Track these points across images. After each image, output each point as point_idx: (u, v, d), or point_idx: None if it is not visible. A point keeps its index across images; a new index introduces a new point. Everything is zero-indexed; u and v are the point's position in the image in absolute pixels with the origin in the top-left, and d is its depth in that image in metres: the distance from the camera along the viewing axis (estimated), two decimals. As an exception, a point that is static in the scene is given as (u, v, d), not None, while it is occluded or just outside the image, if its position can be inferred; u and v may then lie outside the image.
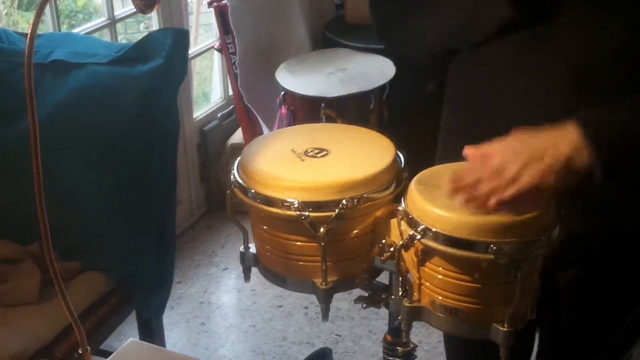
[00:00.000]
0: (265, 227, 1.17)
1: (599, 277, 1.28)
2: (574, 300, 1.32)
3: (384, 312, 1.28)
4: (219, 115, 3.21)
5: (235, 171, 1.18)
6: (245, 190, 1.15)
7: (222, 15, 2.85)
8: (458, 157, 1.12)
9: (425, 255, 1.07)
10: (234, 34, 2.81)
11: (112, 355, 1.25)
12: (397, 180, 1.16)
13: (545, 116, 1.08)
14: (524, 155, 1.03)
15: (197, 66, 3.63)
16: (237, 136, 3.15)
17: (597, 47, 1.10)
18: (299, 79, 2.35)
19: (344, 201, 1.09)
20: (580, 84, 1.12)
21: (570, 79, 1.12)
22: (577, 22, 1.11)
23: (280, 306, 2.64)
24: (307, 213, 1.09)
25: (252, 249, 1.25)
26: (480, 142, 1.11)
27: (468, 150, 1.08)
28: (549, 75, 1.14)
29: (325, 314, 1.18)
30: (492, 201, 1.02)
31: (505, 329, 1.06)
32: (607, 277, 1.27)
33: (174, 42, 1.88)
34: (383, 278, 1.24)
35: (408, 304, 1.12)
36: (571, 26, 1.11)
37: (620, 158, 1.04)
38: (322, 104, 2.15)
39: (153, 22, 2.89)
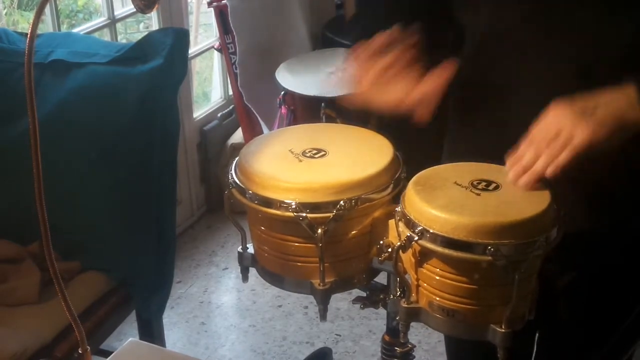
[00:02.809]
0: (263, 228, 1.17)
1: (599, 278, 1.28)
2: (573, 301, 1.32)
3: (383, 311, 1.28)
4: (219, 115, 3.21)
5: (233, 172, 1.19)
6: (243, 191, 1.15)
7: (222, 15, 2.85)
8: (465, 157, 1.14)
9: (423, 256, 1.07)
10: (234, 33, 2.82)
11: (112, 355, 1.25)
12: (395, 181, 1.16)
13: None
14: (574, 113, 1.04)
15: (197, 66, 3.63)
16: (237, 136, 3.15)
17: (608, 44, 1.11)
18: (299, 79, 2.35)
19: (341, 202, 1.09)
20: (589, 77, 1.12)
21: (580, 72, 1.13)
22: (590, 18, 1.11)
23: (280, 306, 2.65)
24: (304, 214, 1.09)
25: (250, 249, 1.25)
26: (488, 141, 1.11)
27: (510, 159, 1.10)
28: (560, 69, 1.15)
29: (323, 315, 1.18)
30: (550, 170, 1.03)
31: (503, 330, 1.06)
32: (606, 278, 1.27)
33: (174, 42, 1.88)
34: (381, 278, 1.24)
35: (406, 305, 1.12)
36: (584, 21, 1.12)
37: None
38: (322, 104, 2.15)
39: (153, 22, 2.90)
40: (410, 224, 1.06)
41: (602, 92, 1.05)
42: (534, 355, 1.48)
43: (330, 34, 2.96)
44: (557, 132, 1.04)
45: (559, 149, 1.03)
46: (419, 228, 1.04)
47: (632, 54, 1.10)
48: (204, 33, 3.66)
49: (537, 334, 1.45)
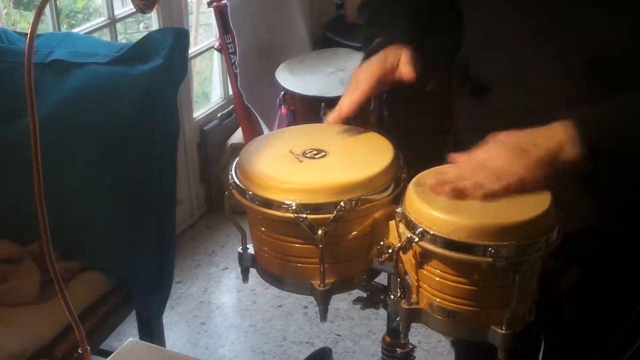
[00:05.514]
0: (263, 229, 1.17)
1: (602, 277, 1.27)
2: (576, 301, 1.32)
3: (383, 311, 1.28)
4: (219, 115, 3.21)
5: (233, 172, 1.18)
6: (243, 191, 1.15)
7: (222, 15, 2.85)
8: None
9: (424, 257, 1.07)
10: (234, 33, 2.82)
11: (112, 355, 1.25)
12: (395, 181, 1.16)
13: (561, 104, 1.09)
14: (513, 149, 1.05)
15: (197, 66, 3.63)
16: (237, 136, 3.15)
17: (612, 41, 1.10)
18: (299, 79, 2.35)
19: (342, 203, 1.09)
20: (594, 74, 1.12)
21: (584, 69, 1.13)
22: (594, 14, 1.11)
23: (280, 306, 2.65)
24: (305, 215, 1.09)
25: (251, 249, 1.25)
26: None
27: (454, 156, 1.11)
28: (564, 64, 1.15)
29: (323, 316, 1.18)
30: (478, 194, 1.04)
31: (504, 332, 1.06)
32: (610, 277, 1.27)
33: (173, 42, 1.88)
34: (382, 279, 1.24)
35: (406, 306, 1.12)
36: (588, 17, 1.11)
37: (607, 147, 1.06)
38: (322, 104, 2.15)
39: (153, 22, 2.89)
40: (410, 225, 1.06)
41: (541, 129, 1.07)
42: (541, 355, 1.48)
43: (330, 34, 2.96)
44: (486, 161, 1.06)
45: (488, 179, 1.05)
46: (420, 229, 1.04)
47: (633, 52, 1.10)
48: (204, 33, 3.66)
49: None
